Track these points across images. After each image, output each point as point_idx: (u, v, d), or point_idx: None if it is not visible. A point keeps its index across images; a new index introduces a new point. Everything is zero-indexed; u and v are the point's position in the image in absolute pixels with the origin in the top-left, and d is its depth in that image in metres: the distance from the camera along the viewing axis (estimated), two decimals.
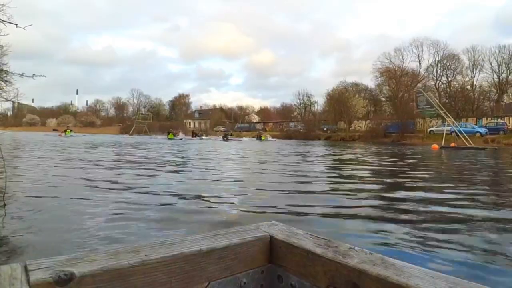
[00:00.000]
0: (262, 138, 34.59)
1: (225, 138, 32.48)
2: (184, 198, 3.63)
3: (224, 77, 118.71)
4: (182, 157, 10.34)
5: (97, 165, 7.02)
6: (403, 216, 2.96)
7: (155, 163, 7.94)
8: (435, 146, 21.38)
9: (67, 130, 33.69)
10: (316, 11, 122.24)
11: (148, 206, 3.18)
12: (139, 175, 5.56)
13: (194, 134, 38.42)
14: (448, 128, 25.60)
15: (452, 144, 21.90)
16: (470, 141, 22.57)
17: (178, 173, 6.18)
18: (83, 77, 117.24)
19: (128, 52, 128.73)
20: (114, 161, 7.94)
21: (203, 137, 37.50)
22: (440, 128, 29.42)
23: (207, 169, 6.91)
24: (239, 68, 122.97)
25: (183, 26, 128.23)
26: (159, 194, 3.84)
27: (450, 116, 25.40)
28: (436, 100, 28.40)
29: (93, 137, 31.35)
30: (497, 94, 39.15)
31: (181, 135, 35.54)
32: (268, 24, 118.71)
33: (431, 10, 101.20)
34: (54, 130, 33.18)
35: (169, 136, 32.76)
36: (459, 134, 23.32)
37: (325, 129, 45.77)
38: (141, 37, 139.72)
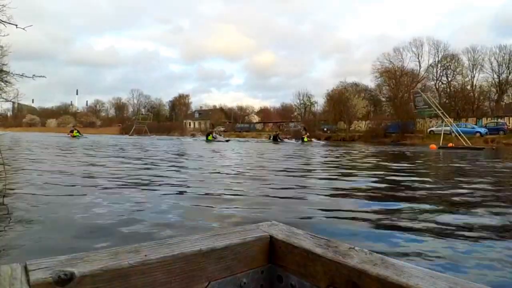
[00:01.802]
0: (305, 140, 32.76)
1: (275, 140, 30.94)
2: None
3: (225, 77, 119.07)
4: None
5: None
6: (403, 217, 2.97)
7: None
8: (433, 146, 21.48)
9: (74, 131, 29.23)
10: (317, 12, 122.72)
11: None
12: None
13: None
14: (447, 128, 25.68)
15: (450, 144, 22.03)
16: (468, 141, 22.75)
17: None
18: (84, 78, 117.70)
19: (129, 53, 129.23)
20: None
21: (218, 136, 37.01)
22: (440, 128, 29.49)
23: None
24: (240, 69, 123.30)
25: (184, 27, 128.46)
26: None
27: (447, 116, 25.47)
28: (434, 100, 28.40)
29: (111, 138, 29.82)
30: (497, 94, 39.20)
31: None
32: (269, 25, 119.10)
33: (431, 10, 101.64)
34: (72, 134, 28.94)
35: (209, 138, 29.94)
36: (457, 134, 23.46)
37: (325, 129, 45.67)
38: (143, 38, 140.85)
